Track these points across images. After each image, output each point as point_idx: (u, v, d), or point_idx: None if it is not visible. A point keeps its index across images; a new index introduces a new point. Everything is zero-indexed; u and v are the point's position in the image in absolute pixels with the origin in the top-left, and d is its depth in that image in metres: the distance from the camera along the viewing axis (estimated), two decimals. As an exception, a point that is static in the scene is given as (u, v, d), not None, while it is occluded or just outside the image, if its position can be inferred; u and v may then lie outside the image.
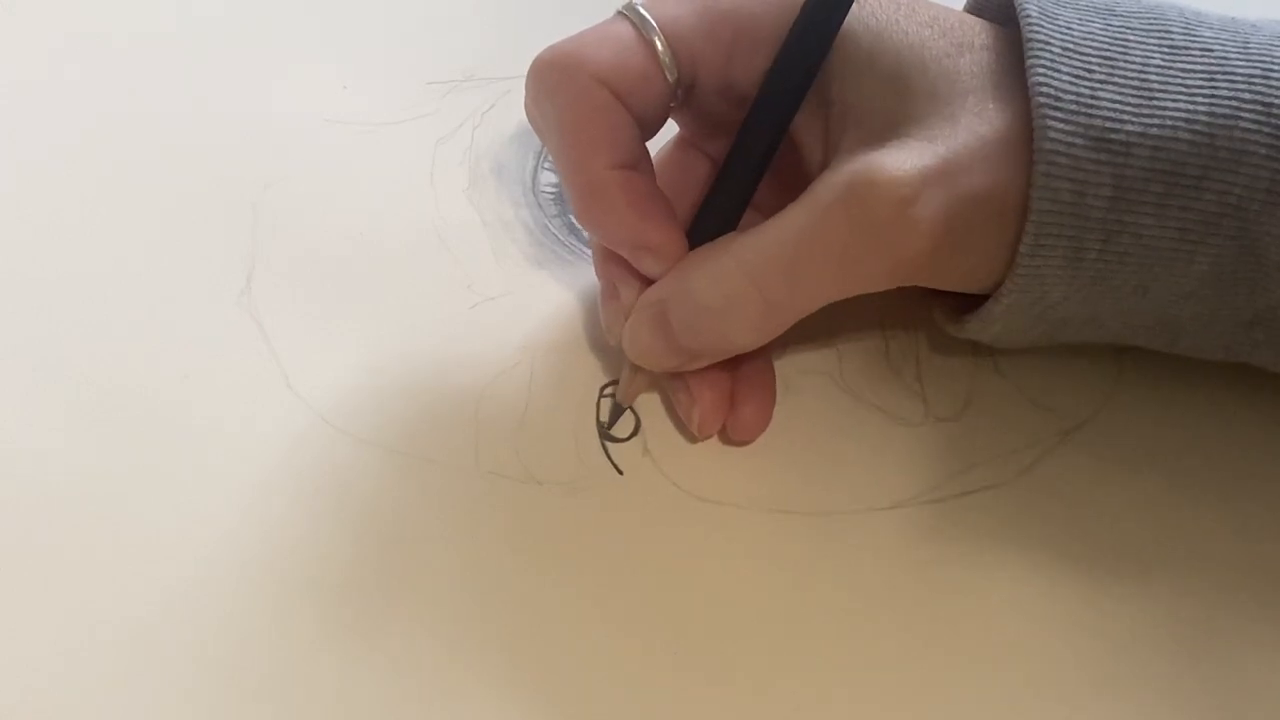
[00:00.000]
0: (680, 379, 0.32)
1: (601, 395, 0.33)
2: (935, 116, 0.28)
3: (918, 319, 0.35)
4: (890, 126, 0.28)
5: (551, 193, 0.37)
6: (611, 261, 0.31)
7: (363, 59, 0.40)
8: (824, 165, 0.29)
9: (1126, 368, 0.35)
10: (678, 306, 0.30)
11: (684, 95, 0.31)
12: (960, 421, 0.34)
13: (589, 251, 0.36)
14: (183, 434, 0.32)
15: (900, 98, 0.29)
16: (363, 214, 0.36)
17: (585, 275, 0.35)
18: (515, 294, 0.35)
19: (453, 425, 0.32)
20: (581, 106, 0.30)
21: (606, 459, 0.32)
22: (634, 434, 0.33)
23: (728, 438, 0.33)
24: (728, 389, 0.32)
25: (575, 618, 0.30)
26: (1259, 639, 0.30)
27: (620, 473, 0.32)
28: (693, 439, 0.33)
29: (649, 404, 0.33)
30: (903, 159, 0.27)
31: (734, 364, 0.32)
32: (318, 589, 0.30)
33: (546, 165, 0.38)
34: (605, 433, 0.33)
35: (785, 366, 0.34)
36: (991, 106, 0.28)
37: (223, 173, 0.37)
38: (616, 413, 0.33)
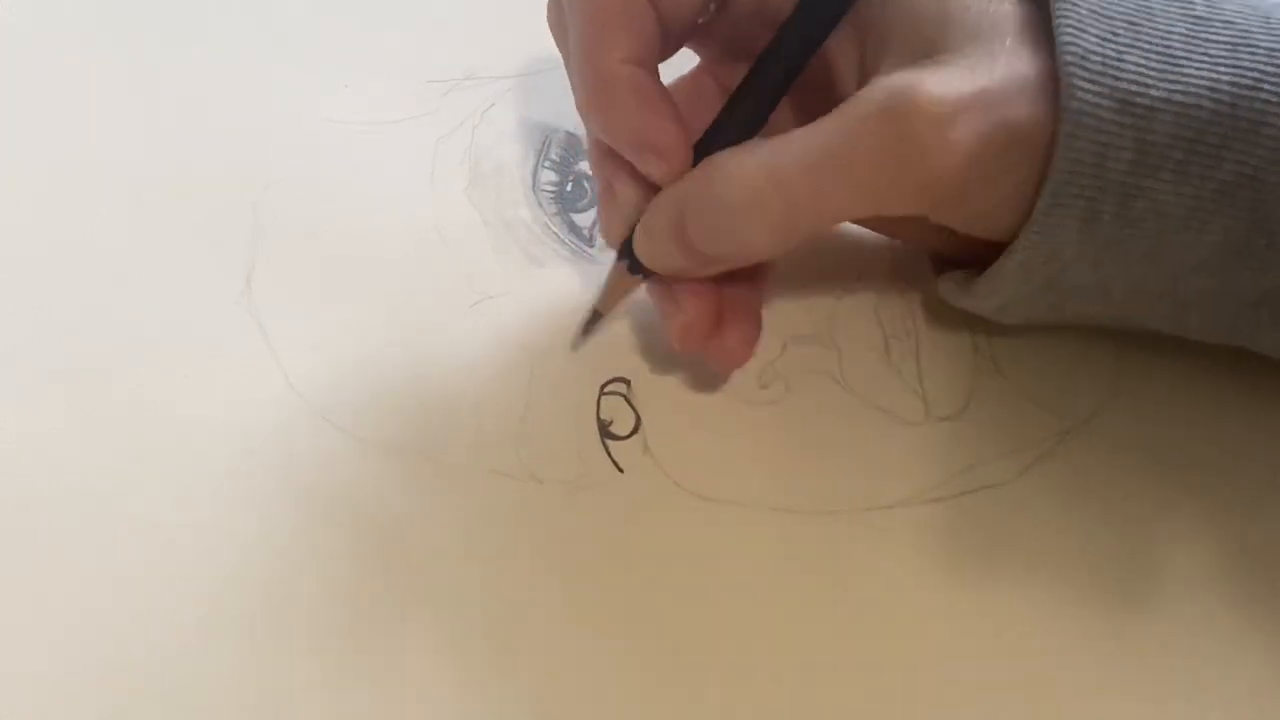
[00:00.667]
0: (666, 288, 0.32)
1: (602, 394, 0.33)
2: (976, 50, 0.28)
3: (919, 318, 0.35)
4: (931, 53, 0.28)
5: (551, 191, 0.37)
6: (611, 159, 0.31)
7: (363, 59, 0.40)
8: (859, 88, 0.29)
9: (1126, 368, 0.35)
10: (696, 204, 0.29)
11: (716, 8, 0.31)
12: (960, 421, 0.34)
13: (590, 250, 0.36)
14: (182, 433, 0.32)
15: (942, 29, 0.28)
16: (363, 214, 0.36)
17: (586, 274, 0.35)
18: (515, 293, 0.35)
19: (453, 424, 0.32)
20: None
21: (607, 457, 0.32)
22: (634, 432, 0.33)
23: (709, 365, 0.32)
24: (715, 304, 0.31)
25: (575, 616, 0.30)
26: (1260, 639, 0.30)
27: (620, 471, 0.32)
28: (672, 351, 0.32)
29: (650, 403, 0.33)
30: (944, 80, 0.27)
31: (722, 285, 0.31)
32: (318, 588, 0.30)
33: (546, 164, 0.38)
34: (606, 431, 0.33)
35: (786, 366, 0.34)
36: (1027, 50, 0.28)
37: (223, 173, 0.37)
38: (594, 319, 0.33)
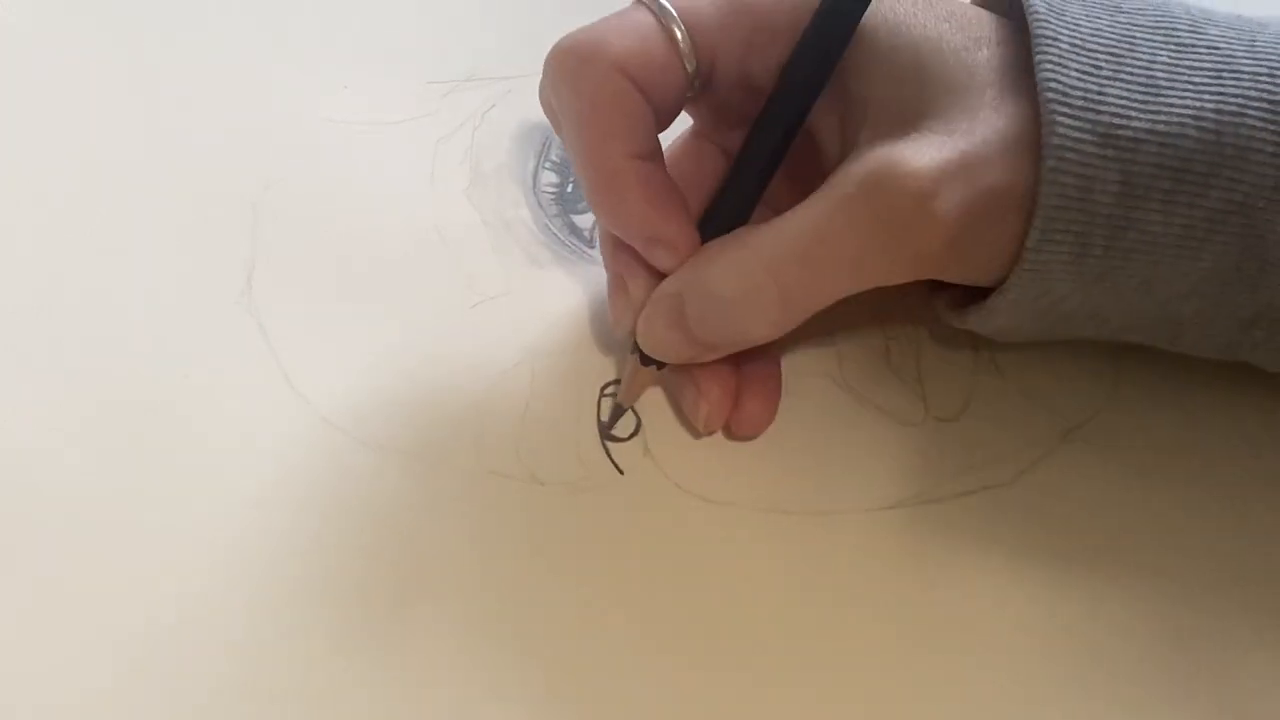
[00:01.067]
0: (686, 374, 0.32)
1: (602, 395, 0.33)
2: (954, 109, 0.28)
3: (918, 319, 0.35)
4: (909, 119, 0.28)
5: (552, 192, 0.37)
6: (621, 253, 0.31)
7: (363, 59, 0.40)
8: (841, 159, 0.29)
9: (1126, 369, 0.35)
10: (694, 298, 0.30)
11: (700, 86, 0.31)
12: (960, 422, 0.34)
13: (590, 251, 0.36)
14: (182, 434, 0.32)
15: (919, 90, 0.29)
16: (363, 214, 0.36)
17: (586, 275, 0.35)
18: (515, 294, 0.35)
19: (454, 425, 0.32)
20: (601, 94, 0.30)
21: (607, 459, 0.32)
22: (634, 434, 0.33)
23: (731, 433, 0.33)
24: (734, 384, 0.32)
25: (577, 617, 0.30)
26: (1260, 640, 0.30)
27: (621, 472, 0.32)
28: (696, 434, 0.33)
29: (650, 403, 0.33)
30: (923, 151, 0.27)
31: (740, 359, 0.32)
32: (317, 589, 0.30)
33: (547, 165, 0.38)
34: (606, 433, 0.33)
35: (785, 367, 0.34)
36: (1008, 101, 0.28)
37: (223, 173, 0.37)
38: (618, 413, 0.33)
